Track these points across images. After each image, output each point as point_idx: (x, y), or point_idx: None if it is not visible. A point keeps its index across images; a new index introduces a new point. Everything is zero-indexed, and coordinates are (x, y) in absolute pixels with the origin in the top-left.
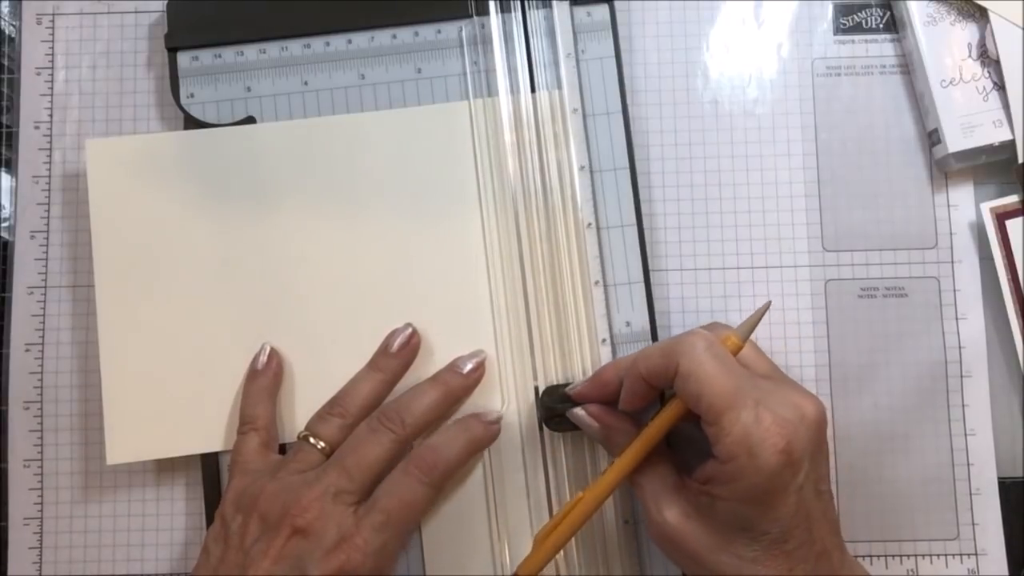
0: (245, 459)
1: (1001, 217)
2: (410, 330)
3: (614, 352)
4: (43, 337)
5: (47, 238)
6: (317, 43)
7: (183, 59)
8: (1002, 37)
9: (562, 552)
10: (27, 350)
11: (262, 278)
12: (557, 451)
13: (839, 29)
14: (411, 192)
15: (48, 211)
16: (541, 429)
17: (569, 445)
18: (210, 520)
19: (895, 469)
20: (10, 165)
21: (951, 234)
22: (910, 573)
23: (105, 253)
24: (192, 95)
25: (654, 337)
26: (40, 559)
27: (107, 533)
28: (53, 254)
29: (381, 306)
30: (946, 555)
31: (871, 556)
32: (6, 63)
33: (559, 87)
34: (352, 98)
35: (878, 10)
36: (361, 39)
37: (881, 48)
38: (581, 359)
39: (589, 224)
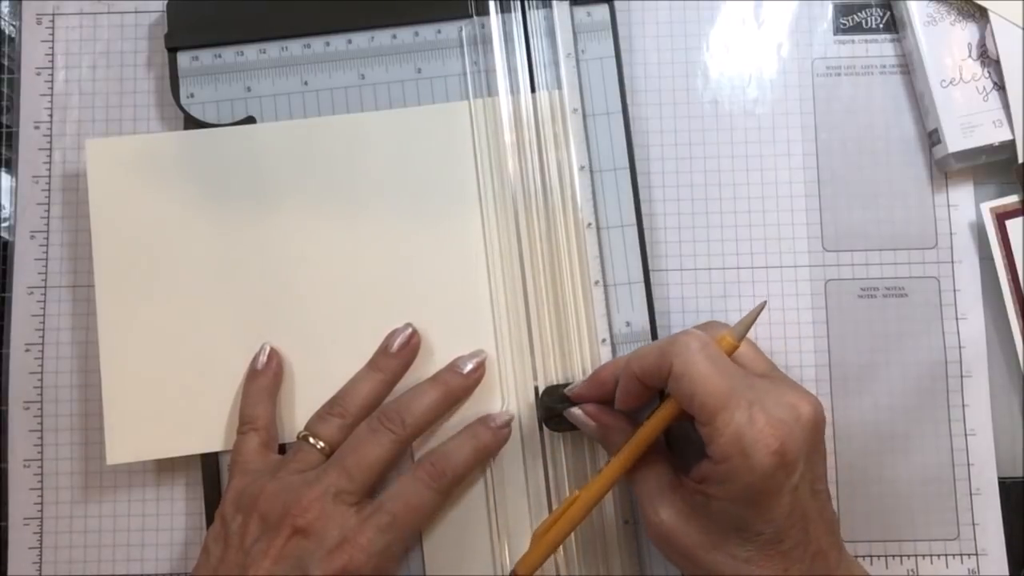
0: (245, 459)
1: (1001, 217)
2: (410, 330)
3: (614, 352)
4: (43, 337)
5: (47, 238)
6: (317, 43)
7: (183, 59)
8: (1002, 37)
9: (562, 552)
10: (27, 350)
11: (262, 278)
12: (557, 451)
13: (839, 29)
14: (411, 192)
15: (48, 211)
16: (541, 429)
17: (569, 445)
18: (210, 520)
19: (895, 469)
20: (10, 165)
21: (951, 234)
22: (910, 573)
23: (105, 253)
24: (192, 95)
25: (654, 337)
26: (40, 559)
27: (107, 533)
28: (53, 254)
29: (381, 306)
30: (946, 555)
31: (871, 556)
32: (6, 63)
33: (559, 87)
34: (352, 98)
35: (878, 10)
36: (361, 39)
37: (881, 48)
38: (581, 359)
39: (589, 224)
